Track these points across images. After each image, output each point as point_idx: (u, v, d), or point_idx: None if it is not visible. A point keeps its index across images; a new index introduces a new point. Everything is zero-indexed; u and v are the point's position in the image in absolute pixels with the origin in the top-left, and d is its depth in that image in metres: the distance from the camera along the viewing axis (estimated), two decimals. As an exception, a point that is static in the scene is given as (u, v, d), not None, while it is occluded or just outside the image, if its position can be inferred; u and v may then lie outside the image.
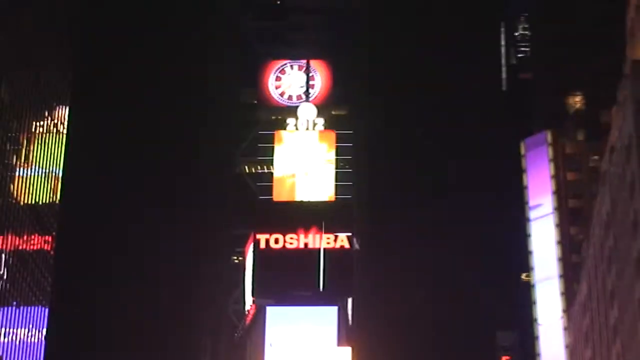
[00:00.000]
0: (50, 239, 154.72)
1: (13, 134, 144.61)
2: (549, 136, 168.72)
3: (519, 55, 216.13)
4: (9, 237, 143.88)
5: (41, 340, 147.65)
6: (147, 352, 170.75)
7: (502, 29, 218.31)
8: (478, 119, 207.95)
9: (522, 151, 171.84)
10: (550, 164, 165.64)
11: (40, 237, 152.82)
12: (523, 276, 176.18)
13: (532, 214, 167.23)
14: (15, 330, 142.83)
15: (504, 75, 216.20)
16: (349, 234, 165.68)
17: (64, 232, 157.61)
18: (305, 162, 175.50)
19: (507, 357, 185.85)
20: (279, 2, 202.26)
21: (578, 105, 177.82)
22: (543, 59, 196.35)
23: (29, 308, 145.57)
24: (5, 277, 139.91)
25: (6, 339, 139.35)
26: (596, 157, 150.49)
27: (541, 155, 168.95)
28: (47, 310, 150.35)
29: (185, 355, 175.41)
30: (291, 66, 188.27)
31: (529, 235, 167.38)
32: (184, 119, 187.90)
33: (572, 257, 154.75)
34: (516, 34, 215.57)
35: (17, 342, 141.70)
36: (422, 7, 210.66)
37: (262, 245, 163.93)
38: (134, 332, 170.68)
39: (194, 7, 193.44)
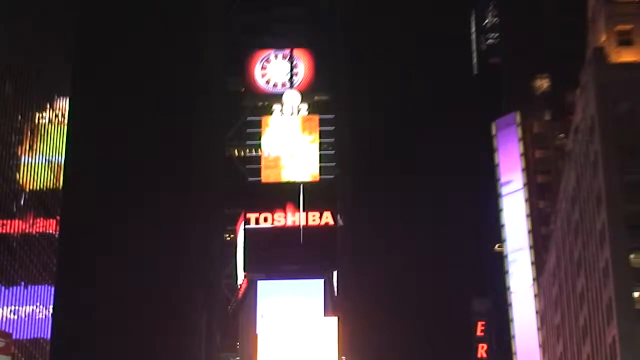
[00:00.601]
0: (54, 223, 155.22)
1: (17, 125, 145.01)
2: (517, 117, 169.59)
3: (489, 42, 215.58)
4: (16, 221, 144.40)
5: (48, 316, 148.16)
6: (146, 324, 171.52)
7: (473, 18, 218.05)
8: (452, 101, 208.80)
9: (493, 131, 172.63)
10: (519, 143, 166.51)
11: (44, 220, 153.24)
12: (496, 247, 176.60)
13: (504, 190, 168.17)
14: (23, 308, 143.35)
15: (474, 60, 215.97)
16: (333, 211, 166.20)
17: (67, 216, 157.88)
18: (290, 145, 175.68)
19: (483, 322, 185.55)
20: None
21: (544, 87, 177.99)
22: (511, 45, 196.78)
23: (36, 287, 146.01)
24: (13, 258, 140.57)
25: (15, 316, 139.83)
26: (562, 136, 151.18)
27: (511, 134, 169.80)
28: (52, 288, 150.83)
29: (182, 327, 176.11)
30: (276, 55, 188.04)
31: (501, 210, 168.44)
32: (177, 107, 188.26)
33: (541, 229, 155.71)
34: (485, 22, 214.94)
35: (26, 319, 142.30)
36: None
37: (252, 223, 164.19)
38: (133, 305, 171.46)
39: (184, 2, 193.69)
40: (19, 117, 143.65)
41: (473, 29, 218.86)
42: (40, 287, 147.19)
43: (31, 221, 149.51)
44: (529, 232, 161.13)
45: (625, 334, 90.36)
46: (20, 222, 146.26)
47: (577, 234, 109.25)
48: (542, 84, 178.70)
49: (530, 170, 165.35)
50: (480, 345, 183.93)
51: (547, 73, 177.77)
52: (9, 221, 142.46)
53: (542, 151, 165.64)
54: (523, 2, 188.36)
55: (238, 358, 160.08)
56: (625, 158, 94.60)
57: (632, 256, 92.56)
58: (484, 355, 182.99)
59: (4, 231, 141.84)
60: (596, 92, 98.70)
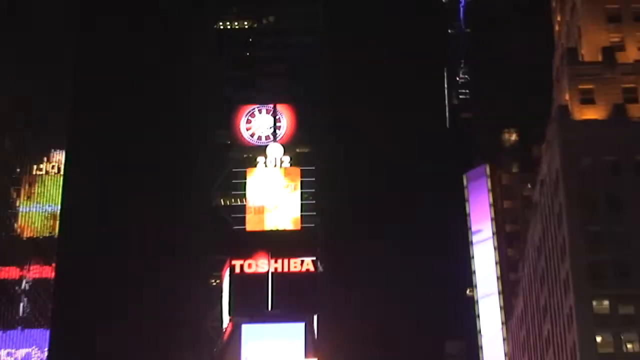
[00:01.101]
0: (50, 269, 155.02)
1: (15, 177, 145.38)
2: (487, 169, 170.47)
3: (460, 97, 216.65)
4: (14, 268, 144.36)
5: (43, 358, 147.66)
6: (141, 340, 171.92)
7: (445, 74, 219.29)
8: (425, 153, 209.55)
9: (464, 182, 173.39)
10: (489, 194, 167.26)
11: (41, 267, 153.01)
12: (467, 292, 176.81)
13: (474, 238, 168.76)
14: (20, 351, 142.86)
15: (447, 114, 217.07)
16: (314, 258, 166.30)
17: (63, 262, 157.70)
18: (273, 195, 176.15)
19: None
20: (248, 54, 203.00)
21: (512, 141, 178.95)
22: (480, 100, 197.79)
23: (32, 330, 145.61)
24: (10, 303, 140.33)
25: (12, 358, 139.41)
26: (529, 186, 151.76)
27: (481, 186, 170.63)
28: (48, 331, 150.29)
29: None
30: (259, 110, 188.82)
31: (472, 257, 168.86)
32: (165, 161, 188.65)
33: (509, 275, 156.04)
34: (457, 78, 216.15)
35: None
36: (375, 56, 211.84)
37: (237, 269, 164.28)
38: (125, 348, 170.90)
39: (174, 61, 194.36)
40: (18, 169, 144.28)
41: (445, 85, 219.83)
42: (36, 330, 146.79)
43: (28, 267, 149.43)
44: (498, 278, 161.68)
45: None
46: (17, 268, 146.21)
47: (543, 281, 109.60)
48: (510, 137, 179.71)
49: (499, 220, 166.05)
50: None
51: (514, 127, 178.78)
52: (6, 267, 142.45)
53: (510, 201, 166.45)
54: (492, 61, 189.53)
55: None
56: (588, 211, 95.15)
57: (594, 303, 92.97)
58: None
59: (2, 277, 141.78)
60: (560, 148, 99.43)
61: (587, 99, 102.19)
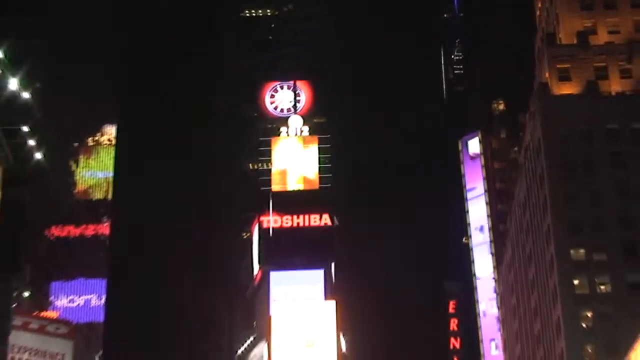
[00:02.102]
0: (105, 227, 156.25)
1: (73, 148, 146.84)
2: (479, 135, 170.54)
3: (455, 72, 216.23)
4: (73, 227, 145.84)
5: (101, 304, 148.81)
6: (181, 308, 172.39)
7: (442, 52, 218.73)
8: (425, 122, 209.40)
9: (460, 147, 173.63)
10: (480, 156, 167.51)
11: (97, 225, 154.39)
12: (464, 240, 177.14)
13: (469, 195, 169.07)
14: (80, 298, 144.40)
15: (444, 88, 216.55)
16: (330, 213, 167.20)
17: (116, 221, 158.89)
18: (295, 160, 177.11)
19: (454, 302, 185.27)
20: (270, 37, 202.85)
21: (500, 110, 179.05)
22: (472, 75, 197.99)
23: (91, 280, 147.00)
24: (72, 257, 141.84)
25: (74, 304, 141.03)
26: (515, 149, 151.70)
27: (474, 149, 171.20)
28: (104, 281, 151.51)
29: (210, 310, 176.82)
30: (281, 86, 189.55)
31: (467, 211, 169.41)
32: (202, 133, 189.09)
33: (499, 226, 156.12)
34: (452, 56, 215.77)
35: (83, 307, 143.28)
36: (379, 38, 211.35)
37: (265, 225, 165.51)
38: (171, 294, 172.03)
39: (206, 45, 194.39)
40: (76, 143, 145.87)
41: (442, 62, 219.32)
42: (94, 280, 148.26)
43: (86, 226, 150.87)
44: (490, 229, 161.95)
45: (568, 314, 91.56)
46: (78, 227, 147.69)
47: (528, 232, 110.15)
48: (499, 107, 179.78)
49: (490, 179, 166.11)
50: (452, 319, 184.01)
51: (502, 98, 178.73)
52: (68, 226, 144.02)
53: (499, 163, 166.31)
54: (482, 40, 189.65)
55: (254, 335, 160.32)
56: (566, 173, 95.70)
57: (572, 251, 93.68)
58: (455, 328, 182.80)
59: (64, 234, 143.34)
60: (541, 119, 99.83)
61: (564, 77, 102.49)
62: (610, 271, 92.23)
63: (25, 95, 47.39)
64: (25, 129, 49.33)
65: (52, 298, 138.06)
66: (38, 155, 51.24)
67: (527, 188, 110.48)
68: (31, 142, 50.36)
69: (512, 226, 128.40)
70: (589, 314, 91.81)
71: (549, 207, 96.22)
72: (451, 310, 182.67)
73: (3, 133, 46.88)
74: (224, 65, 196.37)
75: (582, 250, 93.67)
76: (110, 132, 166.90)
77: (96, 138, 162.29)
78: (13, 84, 46.32)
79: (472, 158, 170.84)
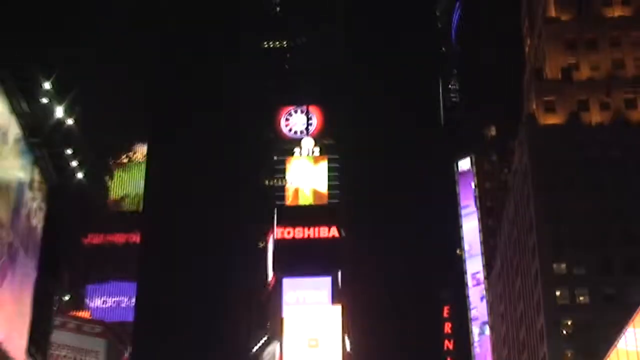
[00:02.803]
0: (136, 236, 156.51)
1: (108, 164, 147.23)
2: (472, 158, 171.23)
3: (452, 100, 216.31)
4: (107, 235, 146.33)
5: (131, 305, 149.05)
6: (205, 309, 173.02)
7: (440, 82, 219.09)
8: (425, 146, 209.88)
9: (455, 169, 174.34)
10: (473, 177, 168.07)
11: (128, 234, 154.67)
12: (458, 252, 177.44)
13: (463, 212, 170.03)
14: (112, 299, 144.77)
15: (441, 114, 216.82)
16: (338, 226, 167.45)
17: (146, 231, 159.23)
18: (306, 178, 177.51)
19: (448, 307, 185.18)
20: (286, 66, 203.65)
21: (492, 135, 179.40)
22: (467, 103, 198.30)
23: (122, 283, 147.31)
24: (105, 262, 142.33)
25: (106, 305, 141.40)
26: (505, 171, 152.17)
27: (468, 171, 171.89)
28: (134, 284, 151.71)
29: (231, 311, 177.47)
30: (295, 111, 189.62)
31: (461, 226, 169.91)
32: (225, 153, 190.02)
33: (490, 241, 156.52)
34: (449, 86, 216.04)
35: (115, 308, 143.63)
36: (384, 69, 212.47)
37: (279, 235, 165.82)
38: (195, 297, 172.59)
39: (229, 72, 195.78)
40: (110, 158, 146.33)
41: (440, 91, 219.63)
42: (125, 283, 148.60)
43: (119, 234, 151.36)
44: (481, 242, 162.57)
45: (550, 322, 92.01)
46: (110, 235, 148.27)
47: (516, 247, 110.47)
48: (490, 132, 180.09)
49: (482, 198, 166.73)
50: (446, 323, 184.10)
51: (494, 124, 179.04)
52: (101, 234, 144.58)
53: (490, 183, 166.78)
54: (476, 72, 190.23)
55: (268, 334, 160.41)
56: (550, 195, 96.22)
57: (554, 265, 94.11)
58: (449, 331, 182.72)
59: (99, 242, 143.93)
60: (528, 147, 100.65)
61: (549, 108, 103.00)
62: (589, 284, 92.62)
63: (69, 121, 47.98)
64: (68, 151, 49.90)
65: (87, 299, 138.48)
66: (79, 175, 51.80)
67: (515, 207, 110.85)
68: (74, 163, 50.94)
69: (501, 241, 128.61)
70: (569, 322, 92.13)
71: (534, 226, 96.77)
72: (445, 314, 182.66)
73: (49, 156, 47.48)
74: (246, 92, 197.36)
75: (563, 265, 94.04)
76: (141, 150, 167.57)
77: (129, 154, 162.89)
78: (59, 111, 46.92)
79: (462, 175, 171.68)
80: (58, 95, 47.65)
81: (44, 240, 48.65)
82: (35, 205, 45.87)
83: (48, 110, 47.50)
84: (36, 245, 46.90)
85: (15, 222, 42.75)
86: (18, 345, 42.64)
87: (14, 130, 42.32)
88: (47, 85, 46.06)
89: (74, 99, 48.60)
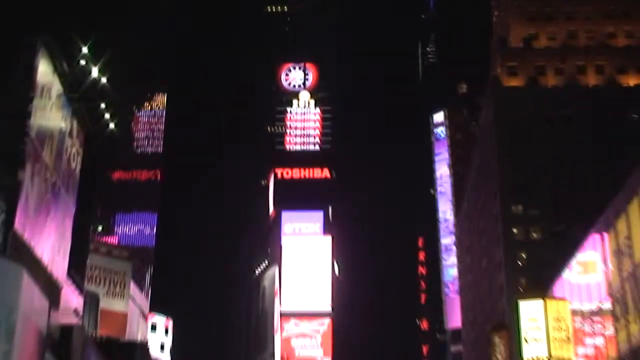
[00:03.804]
0: (157, 174, 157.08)
1: (133, 112, 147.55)
2: (446, 111, 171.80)
3: (430, 61, 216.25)
4: (132, 172, 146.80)
5: (152, 233, 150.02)
6: (213, 236, 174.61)
7: (419, 45, 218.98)
8: (405, 101, 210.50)
9: (431, 121, 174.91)
10: (446, 129, 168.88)
11: (149, 171, 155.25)
12: (431, 192, 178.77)
13: (436, 158, 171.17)
14: (137, 226, 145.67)
15: (420, 72, 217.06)
16: (329, 167, 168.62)
17: (166, 170, 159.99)
18: (303, 125, 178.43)
19: (422, 238, 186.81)
20: (287, 29, 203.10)
21: (463, 92, 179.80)
22: (443, 63, 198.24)
23: (145, 214, 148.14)
24: (130, 195, 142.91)
25: (131, 232, 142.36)
26: (474, 124, 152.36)
27: (441, 123, 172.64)
28: (156, 215, 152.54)
29: (233, 240, 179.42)
30: (294, 67, 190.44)
31: (435, 170, 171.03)
32: (232, 102, 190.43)
33: (458, 184, 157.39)
34: (427, 48, 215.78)
35: (138, 234, 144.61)
36: (370, 34, 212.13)
37: (279, 175, 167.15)
38: (208, 225, 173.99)
39: (236, 36, 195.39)
40: (135, 108, 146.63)
41: (420, 51, 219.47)
42: (147, 214, 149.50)
43: (141, 172, 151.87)
44: (452, 185, 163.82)
45: (508, 255, 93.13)
46: (135, 172, 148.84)
47: (480, 189, 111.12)
48: (462, 90, 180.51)
49: (453, 146, 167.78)
50: (420, 252, 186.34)
51: (465, 82, 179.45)
52: (127, 172, 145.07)
53: (460, 134, 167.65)
54: (451, 37, 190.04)
55: (268, 260, 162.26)
56: (511, 147, 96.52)
57: (512, 207, 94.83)
58: (423, 258, 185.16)
59: (125, 177, 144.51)
60: (493, 105, 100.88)
61: (512, 72, 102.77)
62: (541, 223, 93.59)
63: (103, 79, 48.82)
64: (102, 105, 50.90)
65: (115, 227, 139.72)
66: (111, 125, 52.88)
67: (481, 156, 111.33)
68: (106, 115, 51.93)
69: (468, 184, 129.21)
70: (524, 255, 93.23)
71: (497, 172, 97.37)
72: (420, 244, 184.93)
73: (86, 109, 48.43)
74: (252, 50, 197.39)
75: (520, 207, 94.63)
76: (162, 98, 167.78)
77: (151, 103, 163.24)
78: (94, 71, 47.70)
79: (436, 126, 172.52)
80: (94, 57, 48.40)
81: (80, 179, 49.56)
82: (74, 150, 46.72)
83: (85, 71, 48.23)
84: (74, 184, 47.78)
85: (58, 165, 43.71)
86: (61, 268, 43.81)
87: (57, 87, 43.05)
88: (84, 50, 46.81)
89: (106, 61, 49.38)
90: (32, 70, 40.17)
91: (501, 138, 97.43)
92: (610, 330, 49.27)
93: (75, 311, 47.08)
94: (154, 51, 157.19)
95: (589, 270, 53.89)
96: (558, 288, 62.64)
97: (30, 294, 27.73)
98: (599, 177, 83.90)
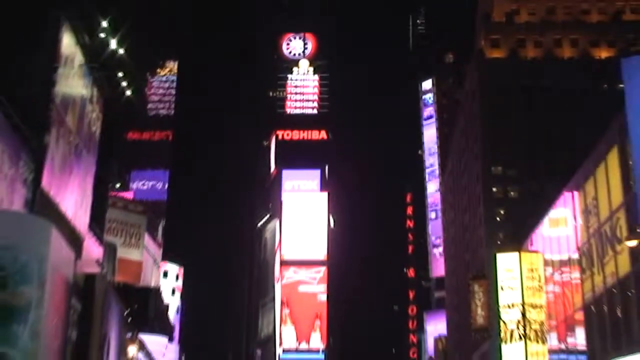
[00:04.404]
0: (169, 135, 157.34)
1: (147, 78, 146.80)
2: (434, 79, 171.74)
3: (420, 32, 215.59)
4: (144, 132, 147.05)
5: (164, 188, 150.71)
6: (219, 192, 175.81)
7: (410, 17, 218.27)
8: (397, 68, 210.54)
9: (420, 88, 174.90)
10: (434, 95, 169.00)
11: (161, 132, 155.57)
12: (419, 152, 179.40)
13: (424, 122, 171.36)
14: (150, 182, 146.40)
15: (411, 42, 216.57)
16: (327, 129, 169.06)
17: (177, 131, 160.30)
18: (303, 91, 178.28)
19: (410, 194, 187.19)
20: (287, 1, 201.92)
21: (450, 61, 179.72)
22: (432, 34, 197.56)
23: (158, 171, 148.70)
24: (144, 153, 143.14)
25: (145, 187, 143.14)
26: (459, 90, 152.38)
27: (430, 90, 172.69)
28: (168, 172, 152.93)
29: (237, 195, 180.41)
30: (295, 37, 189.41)
31: (422, 133, 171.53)
32: (237, 67, 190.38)
33: (444, 145, 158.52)
34: (418, 20, 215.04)
35: (151, 190, 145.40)
36: (366, 7, 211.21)
37: (280, 137, 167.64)
38: (215, 182, 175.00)
39: (242, 11, 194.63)
40: (148, 74, 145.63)
41: (410, 23, 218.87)
42: (159, 171, 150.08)
43: (154, 133, 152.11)
44: (438, 146, 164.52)
45: (487, 211, 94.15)
46: (147, 133, 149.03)
47: (464, 151, 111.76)
48: (449, 59, 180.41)
49: (440, 111, 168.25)
50: (408, 207, 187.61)
51: (452, 52, 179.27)
52: (139, 132, 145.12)
53: (446, 100, 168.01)
54: (440, 10, 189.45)
55: (270, 214, 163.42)
56: (492, 112, 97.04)
57: (492, 168, 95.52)
58: (411, 213, 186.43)
59: (137, 137, 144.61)
60: (477, 74, 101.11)
61: (495, 45, 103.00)
62: (518, 183, 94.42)
63: (121, 51, 49.04)
64: (120, 74, 51.21)
65: (131, 183, 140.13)
66: (128, 92, 53.30)
67: (465, 120, 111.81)
68: (123, 83, 52.29)
69: (453, 146, 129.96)
70: (502, 212, 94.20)
71: (479, 136, 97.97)
72: (408, 200, 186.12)
73: (105, 77, 48.78)
74: (256, 21, 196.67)
75: (499, 168, 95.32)
76: (173, 65, 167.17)
77: (163, 69, 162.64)
78: (113, 43, 47.93)
79: (425, 92, 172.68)
80: (112, 30, 48.65)
81: (100, 141, 50.05)
82: (94, 115, 47.11)
83: (104, 42, 48.42)
84: (95, 145, 48.27)
85: (80, 129, 44.15)
86: (83, 221, 44.43)
87: (79, 57, 43.31)
88: (104, 24, 47.01)
89: (124, 34, 49.59)
90: (56, 42, 40.38)
91: (484, 105, 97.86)
92: (577, 280, 50.23)
93: (98, 261, 47.89)
94: (167, 21, 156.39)
95: (560, 224, 54.77)
96: (532, 241, 63.53)
97: (58, 247, 28.41)
98: (571, 142, 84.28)
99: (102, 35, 46.56)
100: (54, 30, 40.60)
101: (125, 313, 51.28)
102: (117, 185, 71.02)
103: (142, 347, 62.33)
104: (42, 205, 36.41)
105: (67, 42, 40.81)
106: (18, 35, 37.87)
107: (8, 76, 36.55)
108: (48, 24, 41.07)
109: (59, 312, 28.62)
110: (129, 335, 52.93)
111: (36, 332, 24.88)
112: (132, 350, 54.79)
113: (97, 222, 50.21)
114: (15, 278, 24.29)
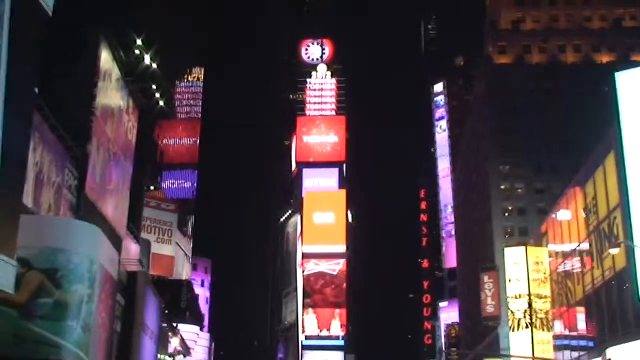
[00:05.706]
0: (195, 139, 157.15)
1: (175, 85, 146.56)
2: (445, 82, 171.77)
3: (431, 36, 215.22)
4: (176, 138, 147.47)
5: (192, 187, 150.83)
6: (245, 187, 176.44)
7: (422, 23, 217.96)
8: (409, 72, 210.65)
9: (432, 91, 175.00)
10: (445, 97, 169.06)
11: (189, 137, 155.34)
12: (432, 150, 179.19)
13: (436, 123, 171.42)
14: (178, 182, 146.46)
15: (422, 46, 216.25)
16: (343, 130, 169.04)
17: (204, 131, 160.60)
18: (321, 95, 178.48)
19: (424, 190, 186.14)
20: (307, 10, 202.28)
21: (460, 65, 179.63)
22: (442, 38, 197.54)
23: (187, 171, 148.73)
24: (175, 157, 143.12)
25: (174, 186, 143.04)
26: (469, 93, 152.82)
27: (441, 92, 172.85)
28: (196, 172, 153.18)
29: (261, 193, 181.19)
30: (313, 42, 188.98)
31: (435, 132, 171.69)
32: (258, 72, 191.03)
33: (455, 144, 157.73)
34: (429, 26, 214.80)
35: (180, 189, 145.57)
36: (381, 13, 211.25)
37: (300, 136, 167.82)
38: (240, 183, 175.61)
39: (262, 15, 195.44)
40: (177, 81, 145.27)
41: (422, 29, 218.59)
42: (188, 171, 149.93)
43: (181, 137, 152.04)
44: (449, 145, 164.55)
45: (496, 206, 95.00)
46: (175, 131, 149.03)
47: (473, 152, 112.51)
48: (460, 63, 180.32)
49: (451, 112, 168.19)
50: (422, 202, 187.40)
51: (462, 56, 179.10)
52: (173, 138, 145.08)
53: (457, 102, 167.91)
54: (450, 16, 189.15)
55: (292, 210, 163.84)
56: (500, 113, 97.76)
57: (500, 167, 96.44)
58: (425, 207, 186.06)
59: (170, 143, 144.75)
60: (486, 78, 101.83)
61: (502, 51, 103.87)
62: (525, 181, 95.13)
63: (154, 65, 50.37)
64: (153, 87, 52.50)
65: (162, 183, 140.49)
66: (161, 103, 54.56)
67: (474, 122, 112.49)
68: (157, 95, 53.58)
69: (463, 145, 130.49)
70: (510, 207, 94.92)
71: (487, 135, 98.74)
72: (422, 195, 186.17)
73: (140, 90, 50.09)
74: (276, 28, 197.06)
75: (507, 167, 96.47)
76: (199, 72, 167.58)
77: (190, 76, 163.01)
78: (147, 59, 49.22)
79: (437, 95, 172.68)
80: (146, 47, 49.87)
81: (136, 148, 51.38)
82: (130, 124, 48.47)
83: (139, 58, 49.74)
84: (131, 152, 49.63)
85: (118, 138, 45.50)
86: (121, 222, 45.85)
87: (116, 72, 44.69)
88: (139, 42, 48.26)
89: (157, 51, 50.84)
90: (95, 58, 41.73)
91: (491, 107, 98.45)
92: (578, 271, 50.98)
93: (140, 261, 49.39)
94: (194, 33, 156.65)
95: (564, 220, 55.41)
96: (539, 235, 64.15)
97: (106, 248, 29.87)
98: (573, 143, 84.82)
99: (137, 52, 47.93)
100: (93, 48, 42.02)
101: (162, 305, 52.60)
102: (152, 188, 72.19)
103: (182, 339, 63.77)
104: (86, 210, 37.81)
105: (105, 58, 42.22)
106: (60, 53, 39.21)
107: (53, 91, 37.93)
108: (88, 42, 42.44)
109: (107, 307, 30.04)
110: (169, 328, 54.25)
111: (88, 325, 26.34)
112: (174, 342, 56.19)
113: (133, 222, 51.64)
114: (69, 278, 25.80)
